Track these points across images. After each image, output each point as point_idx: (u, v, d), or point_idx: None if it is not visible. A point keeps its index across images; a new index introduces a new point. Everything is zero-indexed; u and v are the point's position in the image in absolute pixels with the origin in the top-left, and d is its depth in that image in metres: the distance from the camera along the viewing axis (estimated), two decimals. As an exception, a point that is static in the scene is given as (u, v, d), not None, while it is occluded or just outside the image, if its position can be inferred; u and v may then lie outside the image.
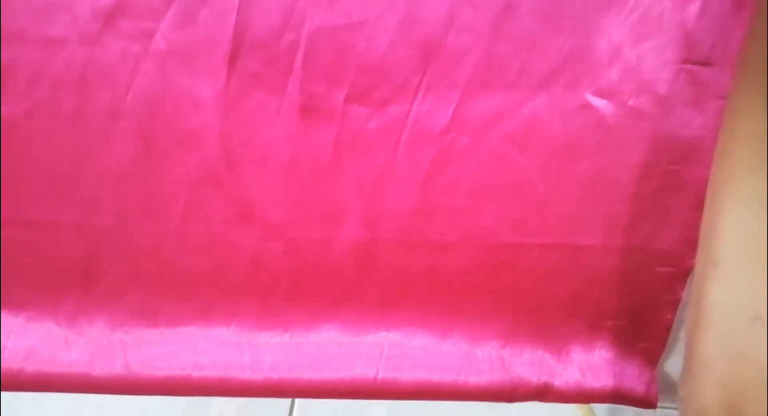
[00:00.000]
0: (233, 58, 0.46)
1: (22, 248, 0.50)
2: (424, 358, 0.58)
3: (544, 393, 0.59)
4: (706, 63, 0.50)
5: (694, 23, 0.48)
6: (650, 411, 0.61)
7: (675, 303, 0.59)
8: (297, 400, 0.61)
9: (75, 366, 0.54)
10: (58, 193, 0.49)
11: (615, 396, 0.59)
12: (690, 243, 0.56)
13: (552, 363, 0.59)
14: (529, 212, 0.54)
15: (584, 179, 0.53)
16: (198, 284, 0.54)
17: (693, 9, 0.48)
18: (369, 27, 0.46)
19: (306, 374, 0.57)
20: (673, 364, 0.63)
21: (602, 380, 0.59)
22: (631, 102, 0.51)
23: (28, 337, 0.53)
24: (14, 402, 0.57)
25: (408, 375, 0.58)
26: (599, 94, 0.51)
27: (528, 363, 0.59)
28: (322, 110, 0.49)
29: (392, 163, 0.51)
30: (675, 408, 0.65)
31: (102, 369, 0.54)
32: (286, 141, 0.49)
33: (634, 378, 0.60)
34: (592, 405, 0.63)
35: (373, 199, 0.52)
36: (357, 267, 0.55)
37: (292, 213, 0.52)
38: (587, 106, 0.51)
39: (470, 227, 0.54)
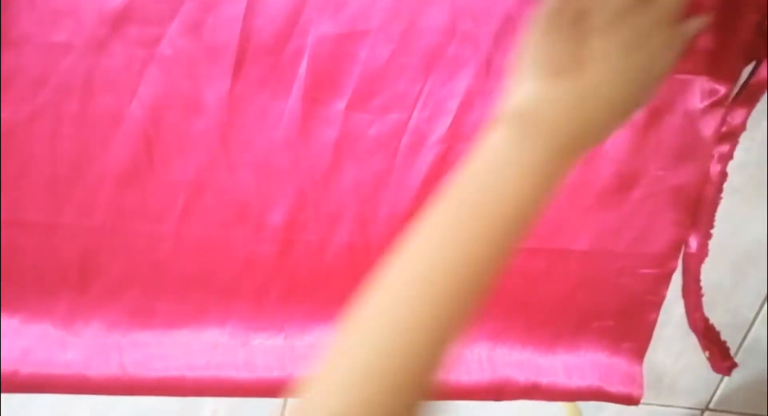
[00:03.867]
0: (239, 64, 0.46)
1: (19, 249, 0.50)
2: (416, 358, 0.59)
3: (531, 391, 0.61)
4: (701, 72, 0.52)
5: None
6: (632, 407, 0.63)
7: (658, 304, 0.61)
8: (289, 400, 0.61)
9: (71, 367, 0.54)
10: (57, 195, 0.49)
11: (600, 395, 0.61)
12: (675, 244, 0.58)
13: (539, 362, 0.61)
14: None
15: (572, 187, 0.55)
16: (193, 286, 0.54)
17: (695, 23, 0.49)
18: (372, 36, 0.47)
19: (299, 373, 0.58)
20: (656, 361, 0.65)
21: (588, 379, 0.61)
22: None
23: (24, 338, 0.52)
24: (8, 401, 0.57)
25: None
26: None
27: (516, 363, 0.61)
28: (324, 116, 0.49)
29: (390, 169, 0.52)
30: (656, 404, 0.68)
31: (97, 369, 0.54)
32: (286, 146, 0.50)
33: (619, 377, 0.62)
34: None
35: (369, 203, 0.53)
36: (351, 269, 0.56)
37: (288, 216, 0.53)
38: None
39: None
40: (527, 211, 0.40)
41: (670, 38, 0.41)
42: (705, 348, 0.60)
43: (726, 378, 0.69)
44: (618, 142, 0.53)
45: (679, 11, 0.41)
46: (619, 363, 0.62)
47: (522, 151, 0.39)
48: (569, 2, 0.40)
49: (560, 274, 0.59)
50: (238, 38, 0.45)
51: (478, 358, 0.60)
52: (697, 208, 0.56)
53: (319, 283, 0.56)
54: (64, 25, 0.43)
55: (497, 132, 0.40)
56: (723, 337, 0.61)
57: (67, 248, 0.51)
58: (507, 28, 0.48)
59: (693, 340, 0.63)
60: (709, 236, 0.57)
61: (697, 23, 0.43)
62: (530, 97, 0.40)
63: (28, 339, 0.53)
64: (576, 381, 0.61)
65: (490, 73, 0.49)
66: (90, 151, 0.48)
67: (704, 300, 0.61)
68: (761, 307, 0.65)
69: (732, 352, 0.61)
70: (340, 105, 0.49)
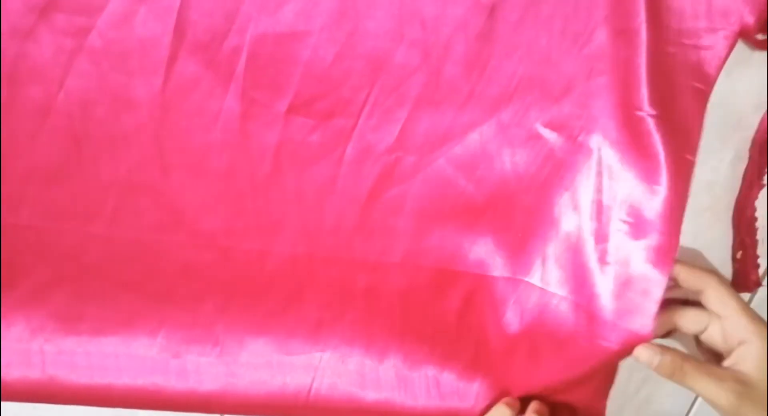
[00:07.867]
0: (172, 59, 0.44)
1: (-62, 245, 0.48)
2: (359, 380, 0.57)
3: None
4: (649, 113, 0.48)
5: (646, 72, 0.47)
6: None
7: None
8: (225, 416, 0.59)
9: (-10, 371, 0.51)
10: (-18, 189, 0.47)
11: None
12: None
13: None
14: (473, 241, 0.53)
15: (528, 213, 0.52)
16: (124, 291, 0.51)
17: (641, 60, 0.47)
18: (315, 37, 0.45)
19: (235, 388, 0.55)
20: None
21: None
22: (580, 138, 0.50)
23: (-60, 340, 0.50)
24: None
25: (342, 394, 0.57)
26: (549, 125, 0.50)
27: (465, 390, 0.58)
28: (263, 118, 0.47)
29: (334, 178, 0.50)
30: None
31: (19, 375, 0.52)
32: (223, 147, 0.48)
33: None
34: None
35: (313, 213, 0.51)
36: (293, 282, 0.53)
37: (226, 222, 0.50)
38: (536, 137, 0.50)
39: (412, 249, 0.53)
40: None
41: None
42: (740, 247, 0.55)
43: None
44: (577, 168, 0.51)
45: None
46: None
47: None
48: None
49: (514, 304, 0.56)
50: (173, 31, 0.43)
51: (425, 383, 0.58)
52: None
53: (258, 295, 0.53)
54: (-15, 10, 0.41)
55: None
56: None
57: (-9, 245, 0.49)
58: (457, 38, 0.46)
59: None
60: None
61: None
62: None
63: (-55, 341, 0.50)
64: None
65: (440, 82, 0.47)
66: (16, 145, 0.45)
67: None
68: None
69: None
70: (281, 107, 0.47)
